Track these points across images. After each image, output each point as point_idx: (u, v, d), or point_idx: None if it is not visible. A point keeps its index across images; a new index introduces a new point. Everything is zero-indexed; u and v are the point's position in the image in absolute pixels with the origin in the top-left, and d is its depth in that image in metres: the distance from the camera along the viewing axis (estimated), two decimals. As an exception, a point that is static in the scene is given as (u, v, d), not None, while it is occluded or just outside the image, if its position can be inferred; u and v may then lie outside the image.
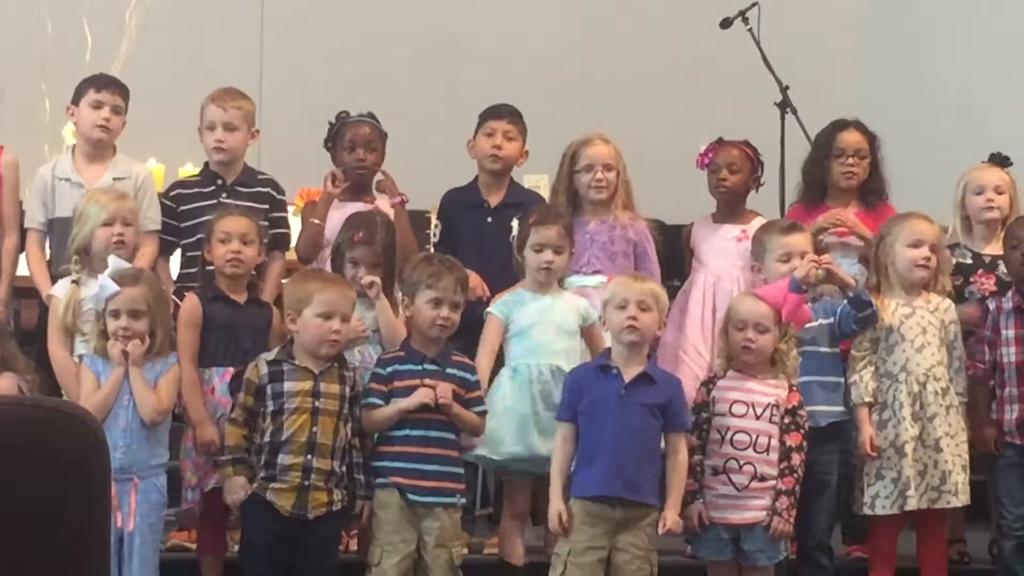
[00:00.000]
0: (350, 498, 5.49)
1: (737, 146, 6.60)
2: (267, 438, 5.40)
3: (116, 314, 5.48)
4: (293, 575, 5.44)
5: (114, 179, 6.25)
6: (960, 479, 5.93)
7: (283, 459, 5.37)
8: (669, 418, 5.50)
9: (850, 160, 6.55)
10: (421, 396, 5.46)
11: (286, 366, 5.45)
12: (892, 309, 6.03)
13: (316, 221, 6.33)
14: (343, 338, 5.49)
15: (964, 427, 6.01)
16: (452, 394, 5.52)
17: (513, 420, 5.70)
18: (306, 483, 5.37)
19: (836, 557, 6.13)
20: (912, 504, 5.90)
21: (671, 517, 5.42)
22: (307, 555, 5.42)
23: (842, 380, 6.01)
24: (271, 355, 5.50)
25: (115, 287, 5.47)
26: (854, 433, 6.02)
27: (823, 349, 5.94)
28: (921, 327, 6.01)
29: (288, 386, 5.42)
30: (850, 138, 6.59)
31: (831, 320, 5.93)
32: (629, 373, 5.48)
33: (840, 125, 6.64)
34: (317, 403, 5.41)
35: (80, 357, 5.63)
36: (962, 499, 5.94)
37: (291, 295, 5.57)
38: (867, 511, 5.99)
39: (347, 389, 5.48)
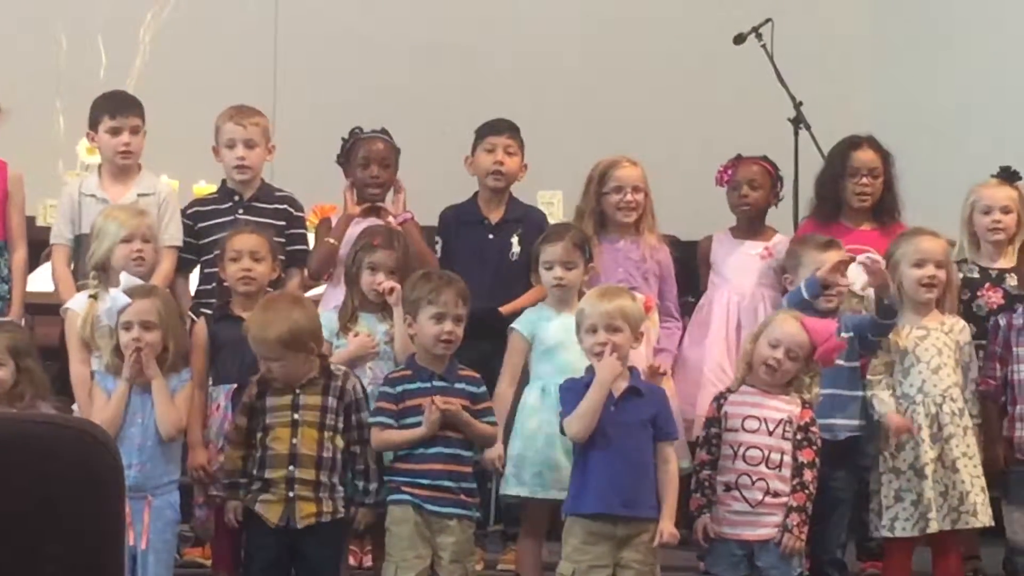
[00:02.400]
0: (347, 507, 5.52)
1: (757, 162, 6.58)
2: (259, 453, 5.47)
3: (128, 326, 5.50)
4: None
5: (139, 195, 6.28)
6: (979, 500, 5.91)
7: (268, 473, 5.42)
8: (658, 429, 5.50)
9: (864, 180, 6.51)
10: (431, 424, 5.45)
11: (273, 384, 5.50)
12: (906, 331, 6.01)
13: (332, 241, 6.32)
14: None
15: (979, 448, 6.00)
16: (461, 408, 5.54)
17: (539, 442, 5.69)
18: (291, 494, 5.40)
19: (850, 573, 6.13)
20: (934, 527, 5.88)
21: (667, 529, 5.42)
22: (307, 566, 5.45)
23: (860, 394, 6.00)
24: (258, 376, 5.52)
25: (126, 299, 5.50)
26: (869, 448, 6.01)
27: (842, 363, 5.92)
28: (937, 348, 6.00)
29: (270, 402, 5.47)
30: (864, 157, 6.55)
31: (851, 334, 5.92)
32: (615, 389, 5.47)
33: (854, 143, 6.60)
34: (296, 415, 5.43)
35: (92, 374, 5.65)
36: (982, 519, 5.92)
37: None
38: (886, 533, 5.97)
39: (332, 400, 5.48)
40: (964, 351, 6.05)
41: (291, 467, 5.40)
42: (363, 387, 5.59)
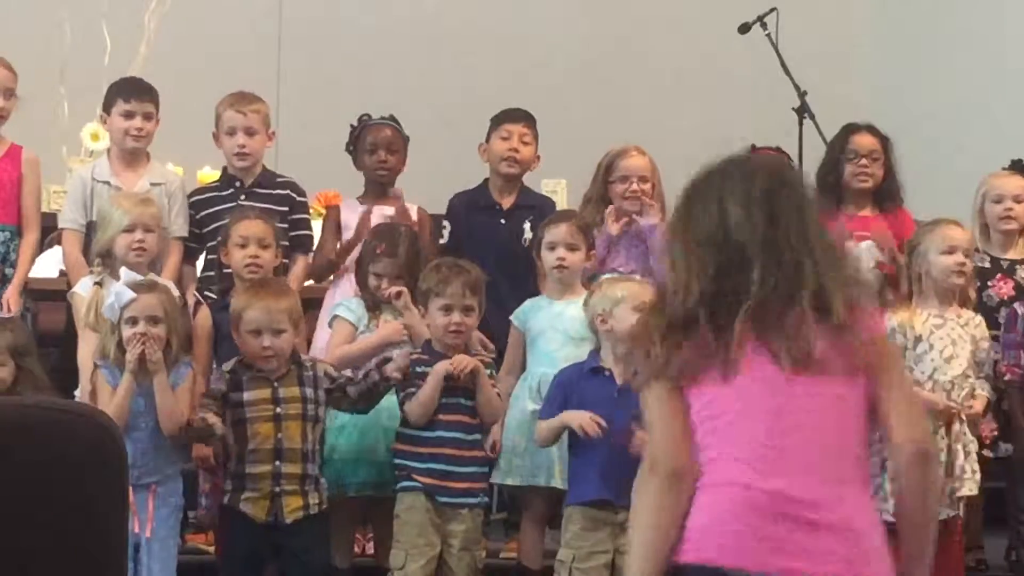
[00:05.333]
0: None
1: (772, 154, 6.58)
2: (238, 449, 5.38)
3: (133, 321, 5.45)
4: None
5: (151, 184, 6.26)
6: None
7: (251, 468, 5.35)
8: None
9: (863, 162, 6.55)
10: (442, 367, 5.45)
11: (245, 375, 5.43)
12: (924, 319, 6.00)
13: (333, 259, 6.32)
14: (279, 350, 5.41)
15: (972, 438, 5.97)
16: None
17: (525, 431, 5.66)
18: (277, 490, 5.35)
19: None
20: None
21: None
22: (293, 561, 5.39)
23: None
24: (229, 365, 5.47)
25: (131, 293, 5.42)
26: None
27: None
28: (951, 339, 5.98)
29: (248, 395, 5.40)
30: (863, 140, 6.60)
31: None
32: (619, 377, 5.44)
33: (853, 128, 6.67)
34: (279, 409, 5.38)
35: (96, 365, 5.58)
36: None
37: (231, 310, 5.56)
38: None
39: (310, 390, 5.43)
40: (981, 346, 6.03)
41: (277, 462, 5.34)
42: (332, 372, 5.51)
